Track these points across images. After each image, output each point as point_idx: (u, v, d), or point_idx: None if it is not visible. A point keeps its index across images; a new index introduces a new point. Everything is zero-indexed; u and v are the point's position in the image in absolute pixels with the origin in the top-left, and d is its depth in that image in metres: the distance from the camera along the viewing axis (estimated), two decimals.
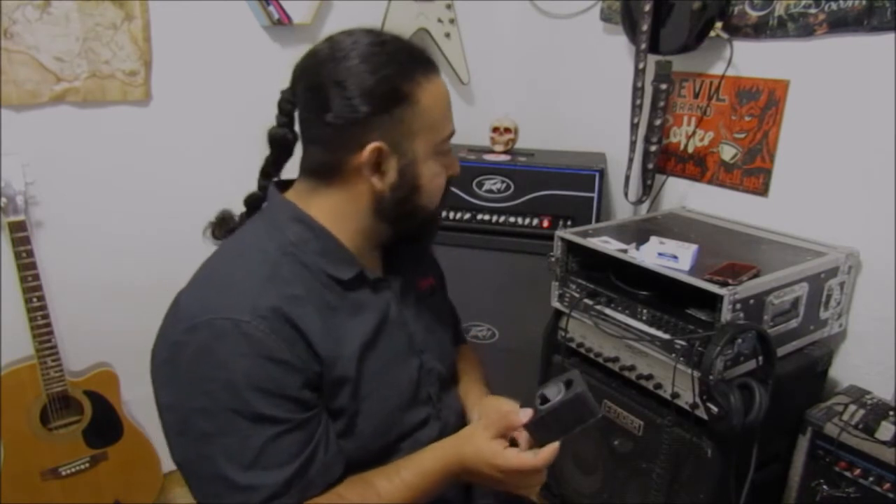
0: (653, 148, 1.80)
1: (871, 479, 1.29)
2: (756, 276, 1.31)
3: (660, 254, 1.37)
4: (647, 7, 1.66)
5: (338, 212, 0.89)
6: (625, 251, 1.47)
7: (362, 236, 0.92)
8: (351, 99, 0.82)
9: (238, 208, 1.02)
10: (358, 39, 0.85)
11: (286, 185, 0.95)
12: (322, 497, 0.83)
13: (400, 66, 0.85)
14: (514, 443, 0.85)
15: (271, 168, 0.97)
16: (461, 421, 1.05)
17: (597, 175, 1.83)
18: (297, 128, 0.92)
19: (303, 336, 0.82)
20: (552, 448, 0.81)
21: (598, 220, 1.85)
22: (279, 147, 0.95)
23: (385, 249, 0.99)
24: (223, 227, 0.98)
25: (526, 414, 0.82)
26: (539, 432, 0.82)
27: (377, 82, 0.83)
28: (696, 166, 1.84)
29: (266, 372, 0.78)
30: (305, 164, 0.91)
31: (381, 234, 0.94)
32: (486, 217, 1.92)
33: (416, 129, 0.86)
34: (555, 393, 0.82)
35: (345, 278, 0.89)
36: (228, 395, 0.77)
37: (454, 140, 0.96)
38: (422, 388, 0.99)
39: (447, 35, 2.19)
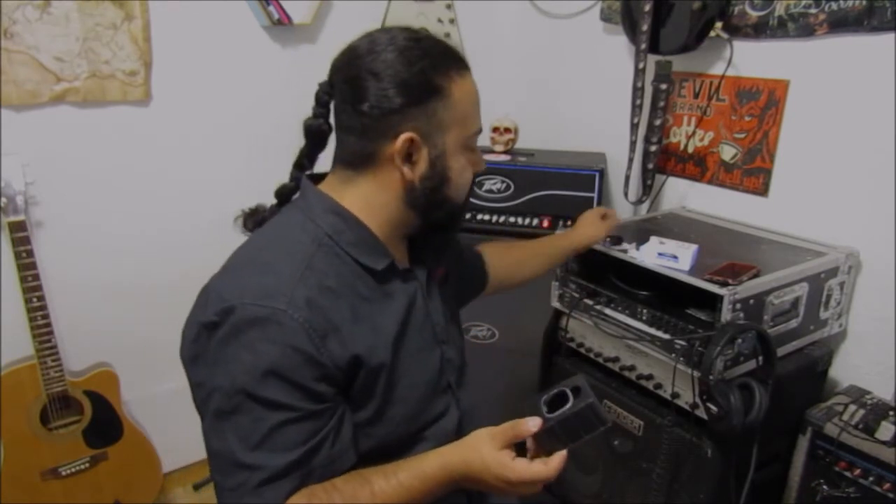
0: (653, 148, 1.80)
1: (871, 479, 1.29)
2: (756, 276, 1.31)
3: (660, 254, 1.38)
4: (647, 7, 1.66)
5: (370, 201, 0.92)
6: (625, 251, 1.47)
7: (392, 226, 0.94)
8: (386, 90, 0.85)
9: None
10: (395, 35, 0.88)
11: (318, 178, 0.97)
12: (318, 486, 0.84)
13: (434, 60, 0.88)
14: (520, 450, 0.84)
15: (305, 160, 0.99)
16: (475, 412, 1.07)
17: (597, 175, 1.83)
18: (331, 120, 0.94)
19: (335, 328, 0.84)
20: (561, 457, 0.81)
21: None
22: (314, 138, 0.97)
23: (410, 241, 1.01)
24: (254, 218, 1.00)
25: (535, 423, 0.82)
26: (547, 441, 0.82)
27: (412, 75, 0.86)
28: (696, 166, 1.84)
29: (289, 361, 0.80)
30: (339, 155, 0.94)
31: (410, 224, 0.96)
32: (486, 217, 1.92)
33: (448, 122, 0.89)
34: (561, 400, 0.81)
35: (378, 268, 0.91)
36: (248, 377, 0.80)
37: None
38: (443, 377, 1.01)
39: (447, 35, 2.19)
